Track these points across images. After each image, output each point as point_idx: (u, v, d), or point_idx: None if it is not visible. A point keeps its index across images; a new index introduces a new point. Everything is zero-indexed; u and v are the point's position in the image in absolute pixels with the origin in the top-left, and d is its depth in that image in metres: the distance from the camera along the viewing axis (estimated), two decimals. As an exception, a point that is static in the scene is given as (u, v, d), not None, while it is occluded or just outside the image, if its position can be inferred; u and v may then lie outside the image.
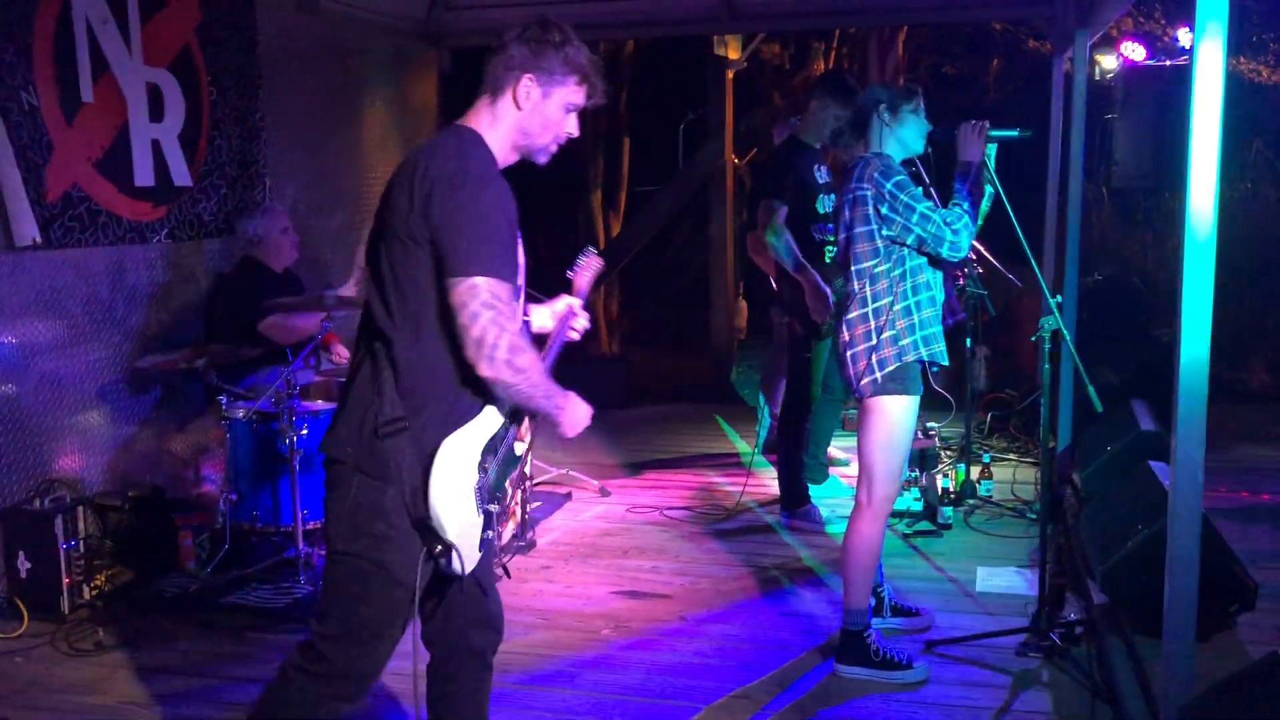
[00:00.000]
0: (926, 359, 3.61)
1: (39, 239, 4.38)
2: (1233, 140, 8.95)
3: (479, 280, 2.28)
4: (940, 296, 3.70)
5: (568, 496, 5.83)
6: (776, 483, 5.46)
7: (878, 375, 3.58)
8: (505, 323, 2.31)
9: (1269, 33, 9.16)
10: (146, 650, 4.03)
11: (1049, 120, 6.06)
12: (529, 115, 2.46)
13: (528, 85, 2.44)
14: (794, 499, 5.32)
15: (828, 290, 5.00)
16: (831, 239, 5.22)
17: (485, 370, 2.31)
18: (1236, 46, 9.08)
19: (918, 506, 5.31)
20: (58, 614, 4.21)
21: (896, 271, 3.58)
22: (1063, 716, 3.44)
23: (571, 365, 8.41)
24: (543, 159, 2.55)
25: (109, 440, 4.85)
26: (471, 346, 2.30)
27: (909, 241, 3.56)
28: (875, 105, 3.68)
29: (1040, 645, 3.83)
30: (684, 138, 11.19)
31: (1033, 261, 3.88)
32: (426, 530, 2.36)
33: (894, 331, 3.57)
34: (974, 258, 5.46)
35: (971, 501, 5.51)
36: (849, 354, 3.65)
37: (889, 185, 3.53)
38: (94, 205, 4.74)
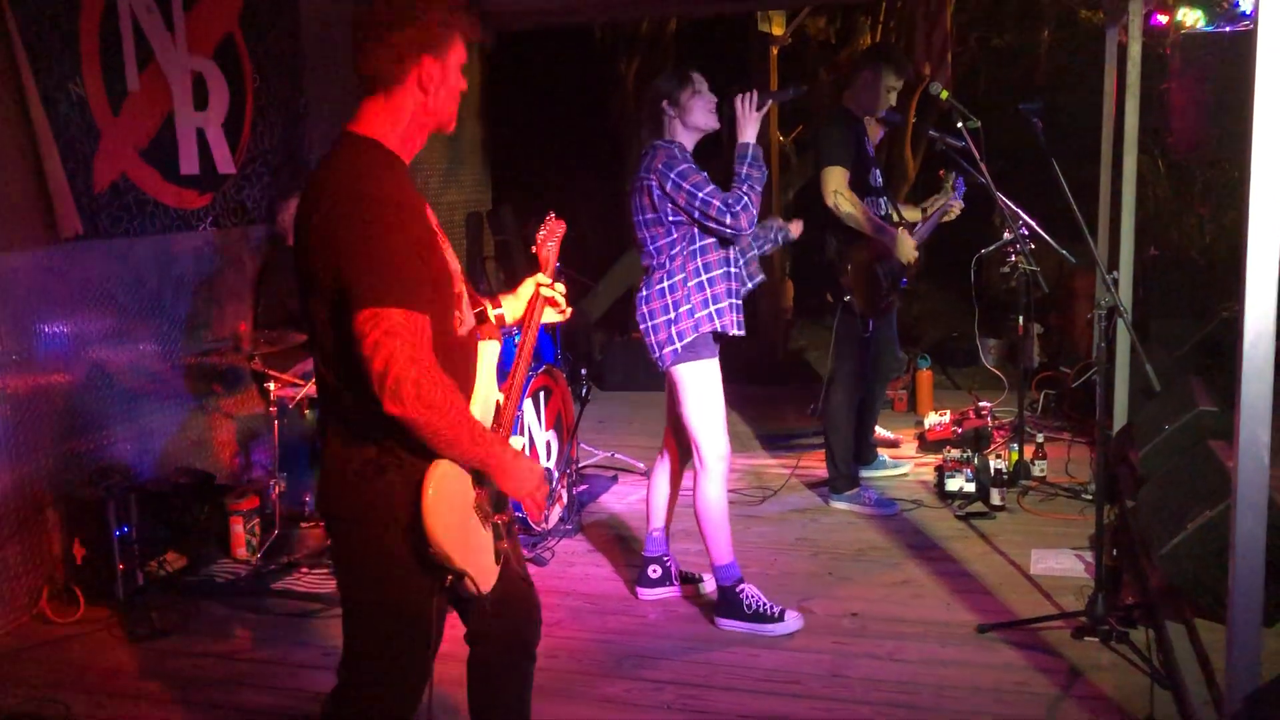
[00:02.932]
0: (720, 329, 3.89)
1: (82, 230, 4.40)
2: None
3: (379, 310, 2.07)
4: (736, 270, 3.94)
5: (614, 479, 5.81)
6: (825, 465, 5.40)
7: (678, 345, 3.88)
8: (414, 353, 2.07)
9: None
10: (201, 635, 4.07)
11: (1102, 91, 5.93)
12: (435, 95, 2.25)
13: (429, 67, 2.22)
14: (844, 481, 5.26)
15: (910, 237, 5.02)
16: (884, 214, 5.14)
17: (391, 407, 2.07)
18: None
19: (970, 488, 5.22)
20: (113, 600, 4.25)
21: (688, 250, 3.85)
22: (1122, 702, 3.36)
23: (614, 348, 8.36)
24: (452, 127, 2.34)
25: (159, 427, 4.90)
26: (374, 382, 2.06)
27: (696, 220, 3.81)
28: (659, 101, 3.89)
29: (1097, 629, 3.75)
30: (728, 115, 11.09)
31: (1089, 236, 3.79)
32: (434, 562, 2.22)
33: (689, 305, 3.86)
34: (1026, 234, 5.34)
35: (1025, 482, 5.41)
36: (648, 326, 3.92)
37: (673, 175, 3.77)
38: (140, 194, 4.77)
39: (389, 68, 2.21)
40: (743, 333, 3.96)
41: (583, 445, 5.68)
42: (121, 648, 3.97)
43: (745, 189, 3.82)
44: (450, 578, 2.25)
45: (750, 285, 4.11)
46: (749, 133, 3.91)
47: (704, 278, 3.86)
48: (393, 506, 2.21)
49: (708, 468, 3.94)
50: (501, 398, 2.47)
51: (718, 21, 9.32)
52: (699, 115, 3.88)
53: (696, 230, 3.84)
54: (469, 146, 7.83)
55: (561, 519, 4.98)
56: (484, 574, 2.33)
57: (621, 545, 4.88)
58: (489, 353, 2.42)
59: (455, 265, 2.32)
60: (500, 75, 8.19)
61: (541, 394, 5.00)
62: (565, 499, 5.02)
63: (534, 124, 8.50)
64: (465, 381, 2.32)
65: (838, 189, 4.95)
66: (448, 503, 2.21)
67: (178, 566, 4.54)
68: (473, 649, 2.61)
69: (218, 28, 5.19)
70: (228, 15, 5.25)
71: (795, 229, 4.32)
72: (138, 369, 4.79)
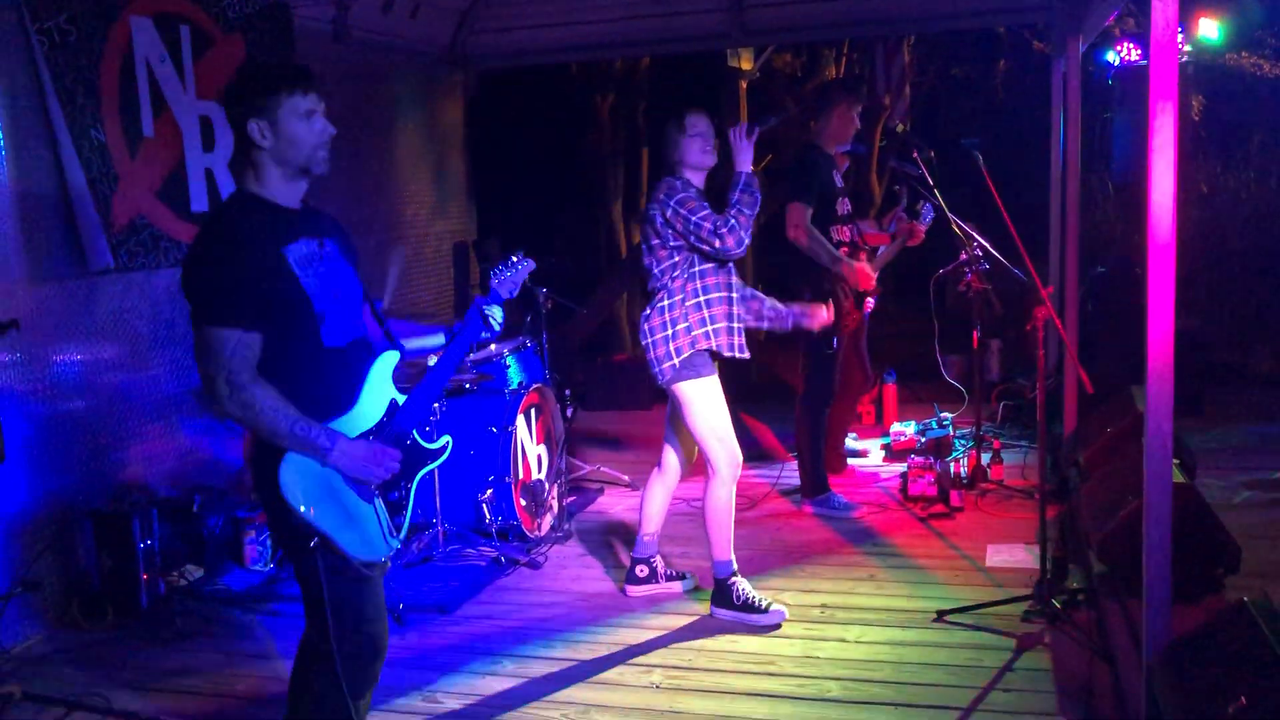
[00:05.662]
0: (715, 349, 4.24)
1: (112, 263, 4.77)
2: (1236, 131, 9.25)
3: (201, 329, 2.53)
4: (736, 296, 4.30)
5: (600, 491, 6.17)
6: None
7: (675, 361, 4.22)
8: (228, 364, 2.52)
9: (1268, 28, 9.42)
10: (224, 637, 4.41)
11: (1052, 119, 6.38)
12: (276, 148, 2.63)
13: (255, 128, 2.61)
14: (815, 487, 5.64)
15: (867, 266, 5.44)
16: (848, 241, 5.55)
17: (215, 408, 2.57)
18: (1237, 42, 9.35)
19: (933, 491, 5.60)
20: (137, 608, 4.58)
21: (688, 272, 4.22)
22: (1063, 674, 3.74)
23: (596, 369, 8.68)
24: (321, 169, 2.70)
25: (176, 447, 5.23)
26: (206, 393, 2.58)
27: (691, 244, 4.18)
28: (666, 143, 4.33)
29: (1043, 612, 4.14)
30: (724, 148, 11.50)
31: (1024, 256, 4.20)
32: (304, 524, 2.57)
33: (687, 324, 4.21)
34: (980, 255, 5.75)
35: (983, 485, 5.81)
36: (649, 342, 4.27)
37: (672, 203, 4.17)
38: (155, 231, 5.12)
39: (236, 133, 2.66)
40: (745, 355, 4.31)
41: (571, 459, 6.04)
42: (151, 649, 4.30)
43: (734, 213, 4.13)
44: (315, 540, 2.59)
45: (763, 325, 4.55)
46: (744, 161, 4.24)
47: (702, 299, 4.22)
48: (276, 485, 2.57)
49: (719, 474, 4.33)
50: (402, 399, 2.82)
51: (689, 58, 9.77)
52: (694, 155, 4.28)
53: (696, 255, 4.21)
54: (454, 181, 8.21)
55: (553, 526, 5.34)
56: (359, 543, 2.66)
57: (610, 550, 5.24)
58: (386, 361, 2.82)
59: (324, 288, 2.68)
60: (483, 113, 8.58)
61: (533, 411, 5.37)
62: (557, 508, 5.37)
63: (516, 159, 8.89)
64: (343, 384, 2.72)
65: (798, 223, 5.38)
66: (304, 470, 2.59)
67: (196, 576, 4.88)
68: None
69: (223, 73, 5.55)
70: (232, 61, 5.62)
71: (814, 320, 4.61)
72: (155, 392, 5.12)
